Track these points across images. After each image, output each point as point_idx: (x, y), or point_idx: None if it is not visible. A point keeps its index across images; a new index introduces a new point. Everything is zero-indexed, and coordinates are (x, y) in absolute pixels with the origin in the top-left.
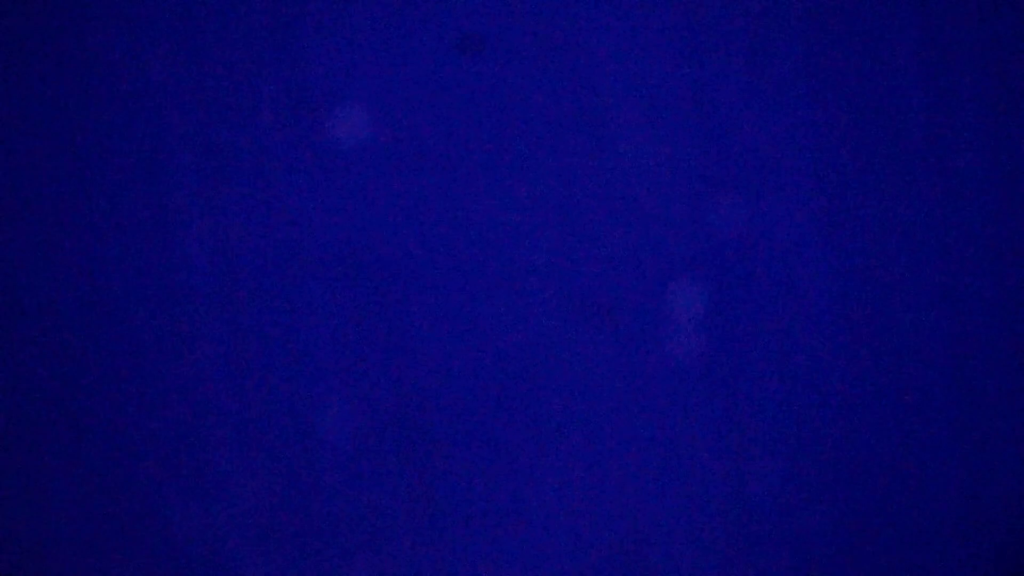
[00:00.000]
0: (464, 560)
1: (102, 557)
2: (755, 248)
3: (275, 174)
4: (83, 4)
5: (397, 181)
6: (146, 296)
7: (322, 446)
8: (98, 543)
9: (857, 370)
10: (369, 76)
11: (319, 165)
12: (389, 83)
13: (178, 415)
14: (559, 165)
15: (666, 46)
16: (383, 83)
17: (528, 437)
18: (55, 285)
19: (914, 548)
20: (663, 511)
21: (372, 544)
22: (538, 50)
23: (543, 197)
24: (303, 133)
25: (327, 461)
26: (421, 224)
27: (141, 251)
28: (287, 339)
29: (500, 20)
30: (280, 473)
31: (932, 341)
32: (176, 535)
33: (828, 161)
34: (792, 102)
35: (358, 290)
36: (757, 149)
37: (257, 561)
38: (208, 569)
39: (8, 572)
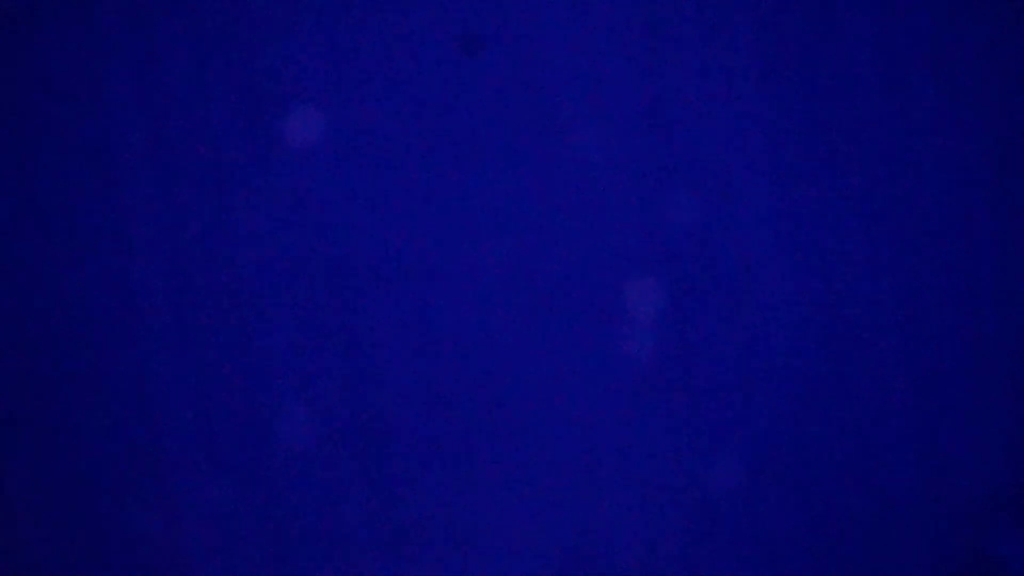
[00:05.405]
0: (423, 561)
1: (63, 560)
2: (712, 244)
3: (231, 175)
4: (38, 3)
5: (353, 182)
6: (101, 298)
7: (281, 450)
8: (59, 546)
9: (815, 363)
10: (324, 78)
11: (275, 165)
12: (344, 84)
13: (136, 420)
14: (516, 165)
15: (621, 44)
16: (338, 84)
17: (487, 439)
18: (8, 289)
19: (875, 539)
20: (624, 508)
21: (331, 547)
22: (494, 51)
23: (500, 198)
24: (259, 134)
25: (286, 465)
26: (378, 225)
27: (96, 253)
28: (245, 342)
29: (457, 22)
30: (239, 477)
31: (889, 334)
32: (136, 539)
33: (783, 157)
34: (747, 98)
35: (315, 291)
36: (713, 146)
37: (218, 565)
38: (169, 573)
39: None
